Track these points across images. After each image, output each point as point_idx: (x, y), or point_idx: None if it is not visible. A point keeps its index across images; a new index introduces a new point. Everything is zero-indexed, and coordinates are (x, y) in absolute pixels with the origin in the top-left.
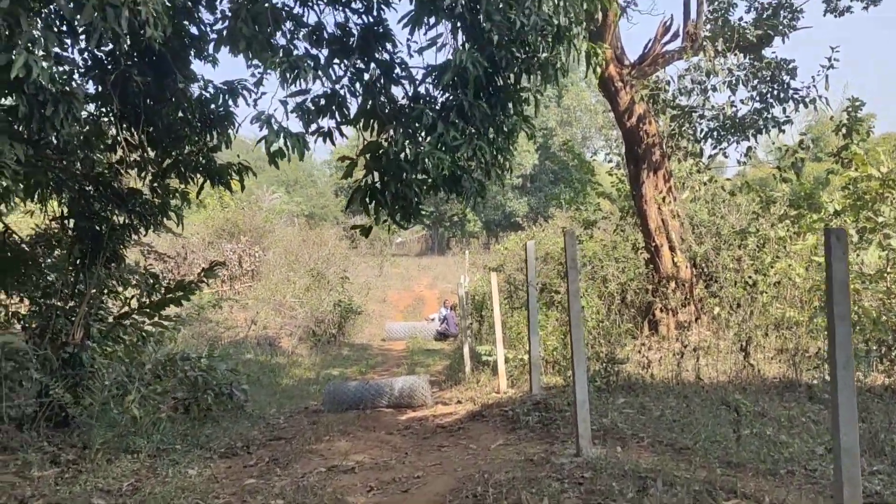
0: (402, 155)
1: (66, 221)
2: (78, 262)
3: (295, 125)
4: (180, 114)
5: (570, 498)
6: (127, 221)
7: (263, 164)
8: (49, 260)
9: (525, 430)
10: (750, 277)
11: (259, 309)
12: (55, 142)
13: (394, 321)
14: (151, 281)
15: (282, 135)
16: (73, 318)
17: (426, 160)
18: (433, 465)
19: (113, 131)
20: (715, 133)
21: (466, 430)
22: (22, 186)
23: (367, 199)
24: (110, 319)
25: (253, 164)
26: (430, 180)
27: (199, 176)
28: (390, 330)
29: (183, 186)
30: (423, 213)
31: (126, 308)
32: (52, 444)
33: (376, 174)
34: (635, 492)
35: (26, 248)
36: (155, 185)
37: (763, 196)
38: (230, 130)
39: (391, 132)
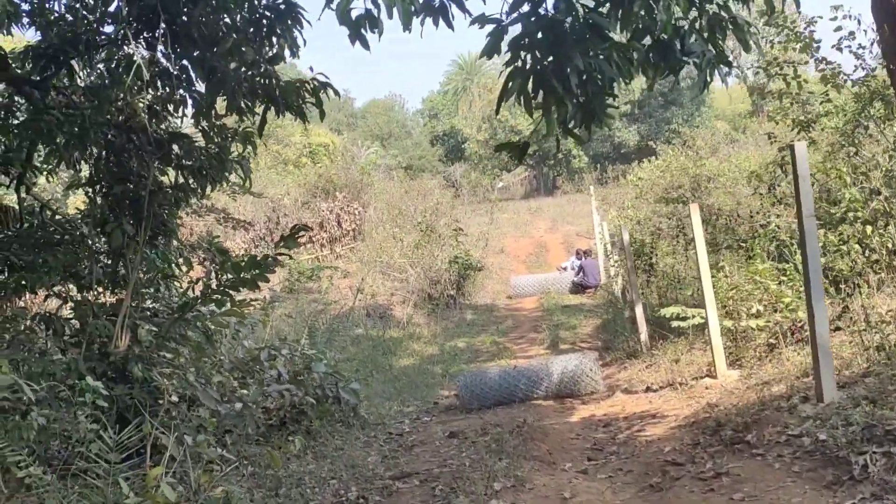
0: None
1: (95, 188)
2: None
3: None
4: (225, 17)
5: None
6: (179, 181)
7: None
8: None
9: (867, 485)
10: None
11: (365, 274)
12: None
13: (518, 274)
14: (221, 259)
15: None
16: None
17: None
18: None
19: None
20: None
21: (731, 475)
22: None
23: (531, 90)
24: (166, 315)
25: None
26: (631, 49)
27: (256, 102)
28: (516, 285)
29: (240, 123)
30: (612, 108)
31: (188, 297)
32: None
33: (538, 50)
34: None
35: (65, 228)
36: (203, 124)
37: None
38: (297, 31)
39: None
